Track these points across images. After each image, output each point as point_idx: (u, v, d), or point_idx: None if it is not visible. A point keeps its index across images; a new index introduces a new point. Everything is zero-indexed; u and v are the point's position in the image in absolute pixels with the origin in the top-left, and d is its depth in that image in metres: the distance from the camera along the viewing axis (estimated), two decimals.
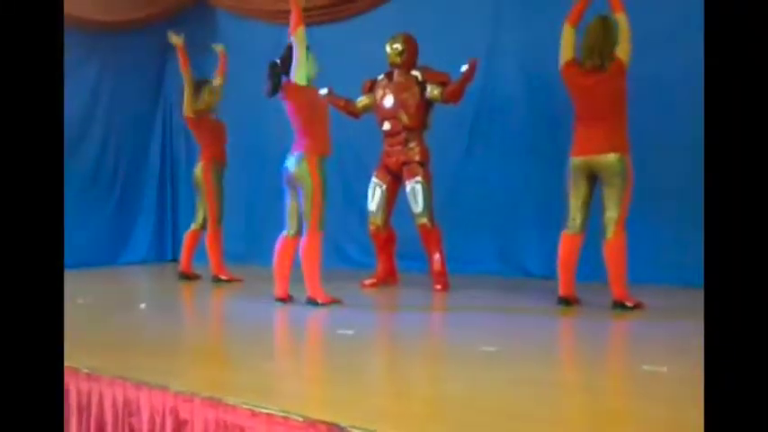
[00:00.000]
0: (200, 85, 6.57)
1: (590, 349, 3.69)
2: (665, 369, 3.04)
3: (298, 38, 4.89)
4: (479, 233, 6.50)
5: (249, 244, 7.56)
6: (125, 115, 8.41)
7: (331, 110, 5.43)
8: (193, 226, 6.65)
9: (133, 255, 8.51)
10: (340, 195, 6.48)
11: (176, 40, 6.66)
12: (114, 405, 3.13)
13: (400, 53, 5.83)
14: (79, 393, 3.27)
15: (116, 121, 8.34)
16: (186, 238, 6.68)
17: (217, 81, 6.62)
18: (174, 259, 8.71)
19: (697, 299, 4.66)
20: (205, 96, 6.52)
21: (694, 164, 4.01)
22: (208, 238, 6.53)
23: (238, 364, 3.48)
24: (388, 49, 5.87)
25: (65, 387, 3.29)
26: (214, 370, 3.35)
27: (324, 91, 6.14)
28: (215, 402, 2.73)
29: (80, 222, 7.67)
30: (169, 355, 3.66)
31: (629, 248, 4.56)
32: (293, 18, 4.95)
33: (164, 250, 8.80)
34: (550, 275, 6.07)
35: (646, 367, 3.09)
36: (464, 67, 5.47)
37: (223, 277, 6.48)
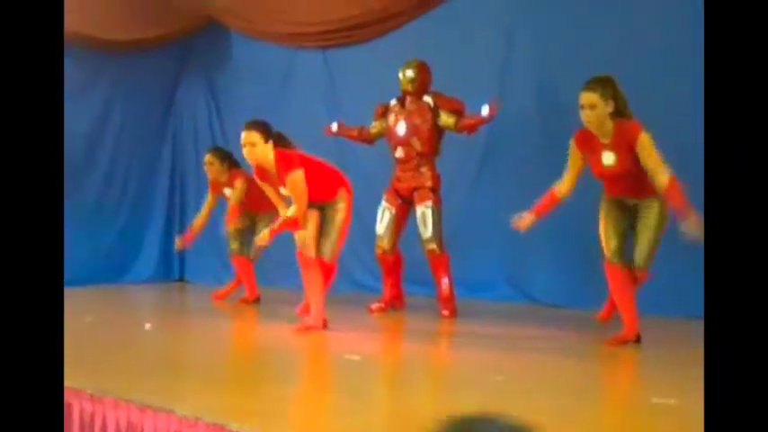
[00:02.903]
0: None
1: (599, 380, 3.65)
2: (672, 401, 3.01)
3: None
4: (488, 259, 6.47)
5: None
6: (135, 135, 8.41)
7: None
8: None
9: (140, 273, 8.49)
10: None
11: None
12: (118, 428, 3.11)
13: (412, 80, 5.83)
14: (83, 414, 3.25)
15: (126, 141, 8.34)
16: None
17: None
18: (182, 278, 8.72)
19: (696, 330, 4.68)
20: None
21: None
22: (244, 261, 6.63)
23: (244, 388, 3.45)
24: (400, 75, 5.87)
25: (68, 408, 3.27)
26: (219, 394, 3.32)
27: (334, 126, 6.15)
28: (219, 428, 2.71)
29: (88, 240, 7.66)
30: (174, 377, 3.64)
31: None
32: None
33: (170, 269, 8.78)
34: (559, 303, 6.07)
35: (656, 400, 3.05)
36: (486, 109, 5.46)
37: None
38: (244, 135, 4.74)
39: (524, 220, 4.53)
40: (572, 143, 4.46)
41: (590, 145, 4.37)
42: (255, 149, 4.70)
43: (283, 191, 4.85)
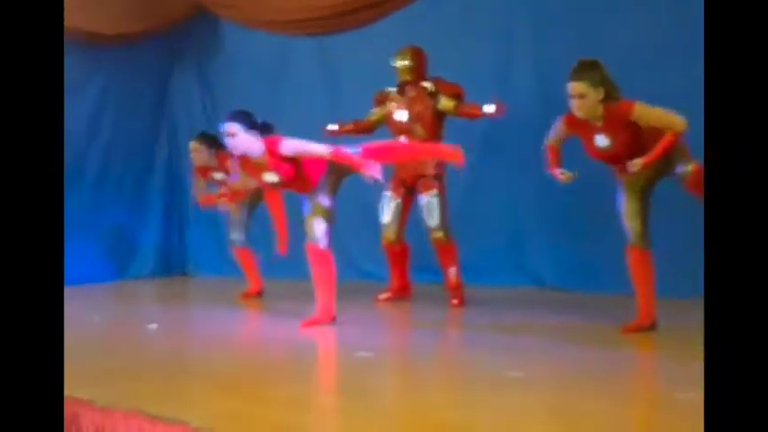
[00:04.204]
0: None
1: (620, 374, 3.57)
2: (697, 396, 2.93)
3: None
4: (494, 244, 6.40)
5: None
6: (130, 129, 8.30)
7: None
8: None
9: (141, 268, 8.41)
10: (353, 208, 6.37)
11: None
12: None
13: (410, 69, 5.73)
14: (91, 427, 3.17)
15: (121, 135, 8.23)
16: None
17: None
18: (183, 272, 8.64)
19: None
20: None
21: None
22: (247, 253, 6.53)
23: (257, 393, 3.37)
24: (396, 64, 5.77)
25: (76, 419, 3.19)
26: (231, 399, 3.23)
27: (332, 127, 6.01)
28: None
29: (86, 237, 7.58)
30: (183, 382, 3.56)
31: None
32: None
33: (171, 263, 8.71)
34: (565, 287, 6.01)
35: (679, 395, 2.97)
36: (492, 108, 5.38)
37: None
38: (225, 125, 4.73)
39: (562, 177, 4.47)
40: (561, 123, 4.43)
41: (581, 128, 4.34)
42: (236, 139, 4.68)
43: (270, 177, 4.77)
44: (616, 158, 4.31)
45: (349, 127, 6.03)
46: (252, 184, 5.20)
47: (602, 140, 4.27)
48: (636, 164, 4.12)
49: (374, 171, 4.48)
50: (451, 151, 4.91)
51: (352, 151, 4.63)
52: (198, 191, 6.61)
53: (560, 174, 4.47)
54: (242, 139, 4.69)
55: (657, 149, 4.09)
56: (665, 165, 4.28)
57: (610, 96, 4.19)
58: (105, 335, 5.04)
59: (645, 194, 4.40)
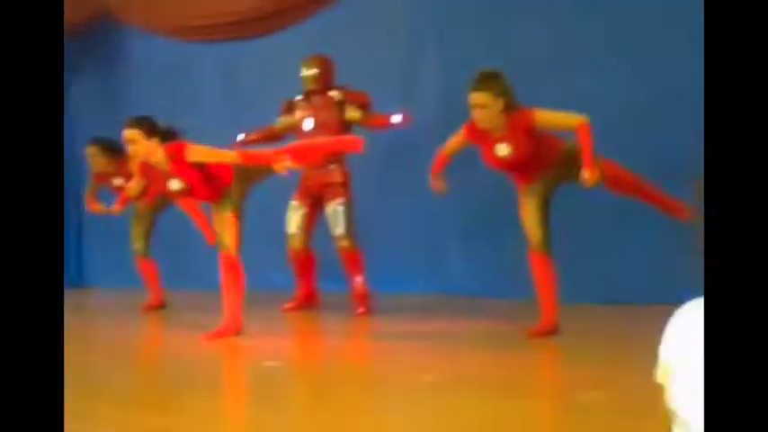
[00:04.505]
0: None
1: (526, 376, 3.67)
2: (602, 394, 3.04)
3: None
4: (403, 252, 6.44)
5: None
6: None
7: None
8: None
9: None
10: (257, 218, 6.32)
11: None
12: None
13: (316, 77, 5.75)
14: None
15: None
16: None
17: None
18: (79, 285, 8.35)
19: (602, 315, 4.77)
20: None
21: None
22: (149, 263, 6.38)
23: (165, 406, 3.31)
24: (303, 72, 5.78)
25: None
26: (143, 415, 3.17)
27: (240, 137, 5.95)
28: None
29: None
30: (91, 397, 3.45)
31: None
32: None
33: (67, 275, 8.40)
34: (472, 293, 6.10)
35: (580, 394, 3.07)
36: (398, 118, 5.49)
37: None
38: (125, 132, 4.65)
39: (436, 184, 4.73)
40: (462, 132, 4.52)
41: (481, 137, 4.45)
42: (137, 146, 4.63)
43: (176, 185, 4.72)
44: (517, 166, 4.43)
45: (259, 136, 5.98)
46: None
47: (503, 149, 4.39)
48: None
49: (285, 161, 4.49)
50: (350, 140, 5.12)
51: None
52: (87, 195, 6.47)
53: (438, 183, 4.66)
54: (143, 146, 4.61)
55: (586, 149, 4.19)
56: (558, 171, 4.43)
57: (509, 107, 4.31)
58: None
59: (545, 201, 4.52)
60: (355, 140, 5.06)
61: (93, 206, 6.34)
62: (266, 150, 4.58)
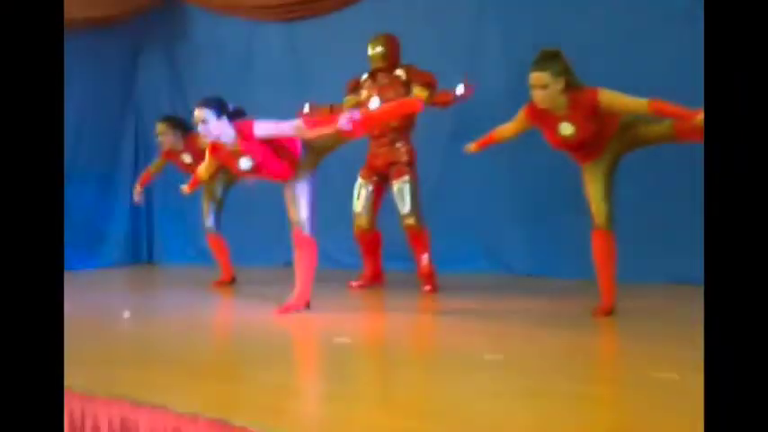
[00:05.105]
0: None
1: (596, 356, 3.63)
2: (676, 376, 3.00)
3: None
4: (464, 232, 6.45)
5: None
6: (96, 118, 8.22)
7: None
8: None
9: (107, 257, 8.33)
10: (325, 196, 6.37)
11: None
12: (111, 427, 3.02)
13: (383, 56, 5.75)
14: (72, 416, 3.14)
15: (87, 124, 8.13)
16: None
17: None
18: (150, 261, 8.58)
19: (680, 295, 4.75)
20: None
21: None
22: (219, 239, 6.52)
23: (240, 378, 3.37)
24: (369, 51, 5.78)
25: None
26: (215, 385, 3.23)
27: (306, 107, 5.99)
28: (221, 424, 2.63)
29: None
30: (163, 369, 3.54)
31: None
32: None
33: (138, 252, 8.65)
34: (535, 273, 6.08)
35: (656, 375, 3.03)
36: (461, 88, 5.40)
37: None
38: (196, 113, 4.72)
39: (470, 146, 4.74)
40: (523, 113, 4.46)
41: (543, 118, 4.38)
42: (208, 126, 4.69)
43: (245, 163, 4.77)
44: (580, 146, 4.37)
45: (326, 110, 5.98)
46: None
47: (566, 128, 4.32)
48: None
49: (348, 119, 4.53)
50: (410, 101, 5.20)
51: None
52: (150, 170, 6.68)
53: (472, 146, 4.69)
54: (214, 126, 4.68)
55: (676, 114, 4.03)
56: (618, 145, 4.36)
57: (570, 85, 4.24)
58: (77, 323, 4.98)
59: (609, 176, 4.46)
60: (414, 101, 5.11)
61: (143, 179, 6.64)
62: (328, 116, 4.61)
